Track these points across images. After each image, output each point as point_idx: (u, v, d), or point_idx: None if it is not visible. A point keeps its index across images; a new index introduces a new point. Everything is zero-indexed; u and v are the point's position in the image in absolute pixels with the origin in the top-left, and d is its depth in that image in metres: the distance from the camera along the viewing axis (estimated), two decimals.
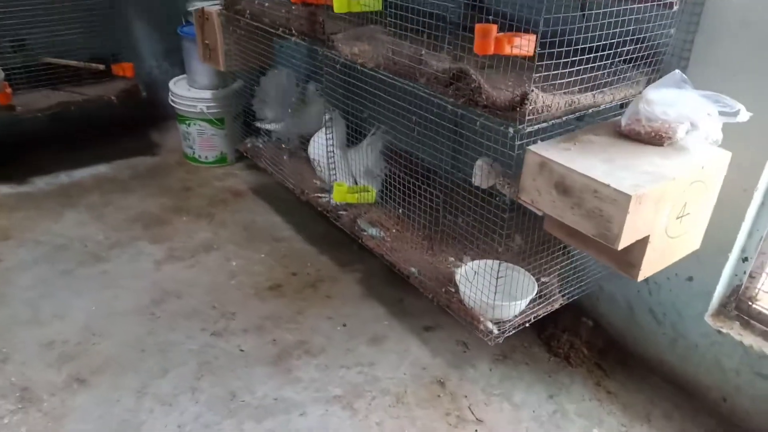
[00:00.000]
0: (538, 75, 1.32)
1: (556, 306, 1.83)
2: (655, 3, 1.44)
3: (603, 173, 1.27)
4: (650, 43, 1.58)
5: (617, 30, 1.43)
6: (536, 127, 1.39)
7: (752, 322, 1.77)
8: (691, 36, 1.54)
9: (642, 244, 1.33)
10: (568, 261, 1.96)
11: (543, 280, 1.90)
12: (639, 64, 1.59)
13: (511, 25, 1.40)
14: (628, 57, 1.54)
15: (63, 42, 2.89)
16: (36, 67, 2.86)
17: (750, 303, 1.77)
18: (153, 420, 1.75)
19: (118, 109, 3.12)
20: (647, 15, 1.48)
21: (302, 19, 1.99)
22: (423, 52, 1.61)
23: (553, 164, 1.33)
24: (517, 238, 2.05)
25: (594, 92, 1.46)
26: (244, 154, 2.83)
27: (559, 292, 1.87)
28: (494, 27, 1.31)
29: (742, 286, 1.77)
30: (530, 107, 1.33)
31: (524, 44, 1.33)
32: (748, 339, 1.73)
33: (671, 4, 1.41)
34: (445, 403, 1.86)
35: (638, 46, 1.55)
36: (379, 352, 2.04)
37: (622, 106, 1.58)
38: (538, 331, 2.12)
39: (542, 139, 1.44)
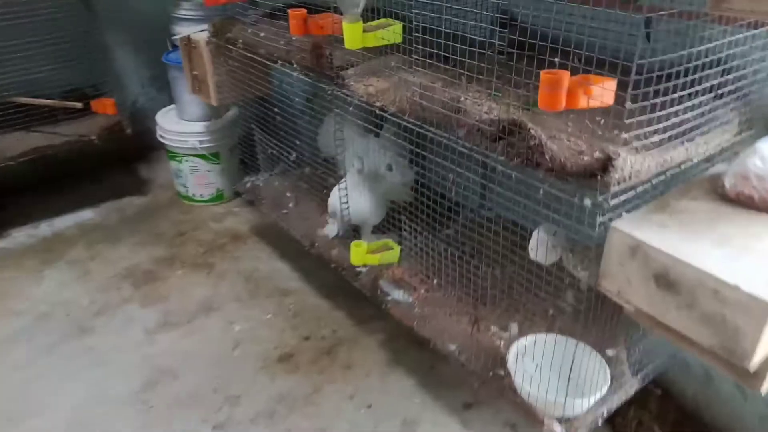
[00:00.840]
0: (628, 135, 0.99)
1: (632, 392, 1.51)
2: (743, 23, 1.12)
3: (723, 265, 0.95)
4: (741, 72, 1.25)
5: (706, 58, 1.11)
6: (622, 198, 1.07)
7: None
8: None
9: None
10: (636, 326, 1.65)
11: (608, 353, 1.58)
12: (728, 100, 1.26)
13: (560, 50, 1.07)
14: (717, 92, 1.21)
15: (36, 78, 2.56)
16: (6, 108, 2.53)
17: None
18: None
19: (99, 151, 2.81)
20: (735, 37, 1.16)
21: (304, 51, 1.66)
22: (461, 97, 1.28)
23: (650, 250, 1.01)
24: (569, 296, 1.73)
25: (686, 143, 1.14)
26: (243, 196, 2.51)
27: (632, 369, 1.54)
28: (566, 75, 0.99)
29: None
30: (616, 176, 1.01)
31: (604, 93, 1.01)
32: None
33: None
34: None
35: (728, 76, 1.22)
36: None
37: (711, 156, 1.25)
38: None
39: (626, 210, 1.11)
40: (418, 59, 1.46)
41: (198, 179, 2.79)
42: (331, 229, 2.10)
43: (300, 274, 2.39)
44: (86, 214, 2.79)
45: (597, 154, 1.04)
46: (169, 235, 2.65)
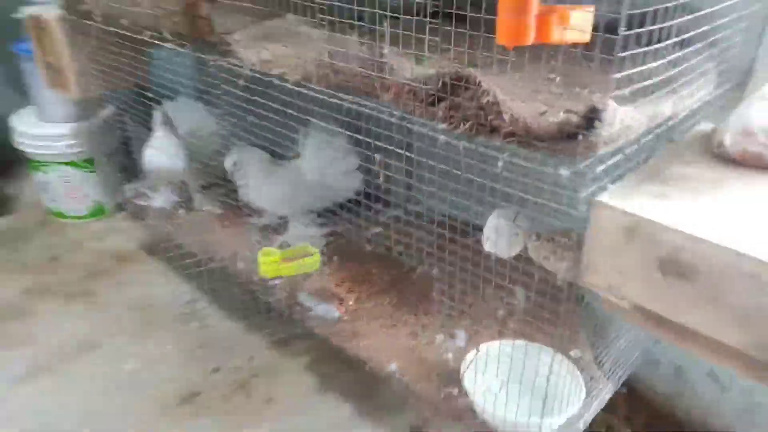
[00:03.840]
0: (619, 76, 0.73)
1: (606, 399, 1.28)
2: None
3: (754, 241, 0.71)
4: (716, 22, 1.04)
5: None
6: (611, 162, 0.82)
7: None
8: None
9: None
10: (596, 319, 1.43)
11: (572, 355, 1.35)
12: (704, 51, 1.04)
13: None
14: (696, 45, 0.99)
15: None
16: None
17: None
18: None
19: None
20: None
21: (177, 15, 1.31)
22: (386, 50, 0.99)
23: (652, 228, 0.76)
24: (519, 293, 1.49)
25: (674, 97, 0.90)
26: (125, 208, 2.10)
27: (606, 372, 1.32)
28: None
29: None
30: (605, 134, 0.75)
31: (582, 23, 0.75)
32: None
33: None
34: None
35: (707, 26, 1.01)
36: None
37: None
38: None
39: (611, 181, 0.86)
40: (324, 19, 1.17)
41: (70, 192, 2.33)
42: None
43: (204, 295, 2.01)
44: None
45: (575, 106, 0.78)
46: (38, 261, 2.19)
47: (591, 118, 0.75)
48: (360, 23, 1.09)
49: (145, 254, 2.24)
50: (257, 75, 1.22)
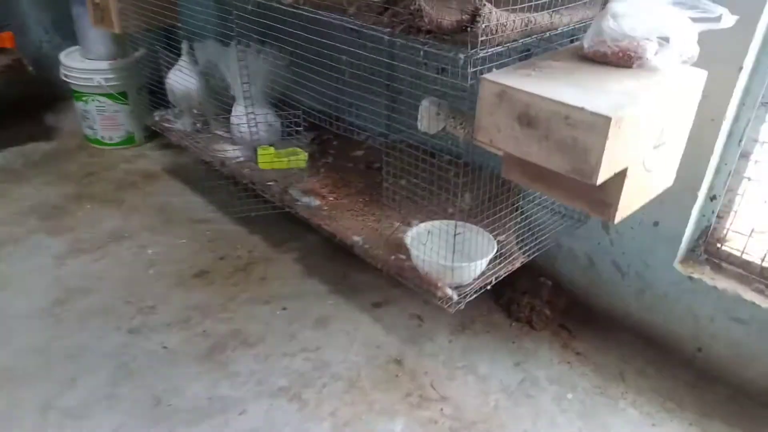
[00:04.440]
0: None
1: (517, 264, 1.66)
2: None
3: (573, 97, 1.08)
4: None
5: None
6: (491, 51, 1.19)
7: (723, 264, 1.66)
8: None
9: (619, 179, 1.16)
10: (523, 217, 1.80)
11: (499, 239, 1.72)
12: None
13: None
14: None
15: None
16: None
17: (719, 245, 1.67)
18: None
19: (3, 89, 2.71)
20: None
21: None
22: None
23: (514, 92, 1.14)
24: (466, 197, 1.85)
25: (551, 11, 1.27)
26: (153, 128, 2.50)
27: (519, 249, 1.69)
28: None
29: (711, 228, 1.66)
30: (483, 26, 1.12)
31: None
32: (722, 283, 1.62)
33: None
34: (405, 383, 1.66)
35: None
36: (326, 335, 1.81)
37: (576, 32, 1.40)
38: (496, 297, 1.96)
39: (497, 68, 1.23)
40: None
41: (106, 120, 2.74)
42: (237, 153, 2.15)
43: (215, 207, 2.41)
44: None
45: (466, 8, 1.15)
46: (77, 176, 2.60)
47: (474, 15, 1.13)
48: None
49: (166, 174, 2.65)
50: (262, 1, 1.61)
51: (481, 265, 1.55)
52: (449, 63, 1.22)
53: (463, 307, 1.53)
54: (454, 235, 1.48)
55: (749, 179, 1.55)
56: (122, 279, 2.00)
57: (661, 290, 1.73)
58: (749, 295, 1.57)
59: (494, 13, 1.14)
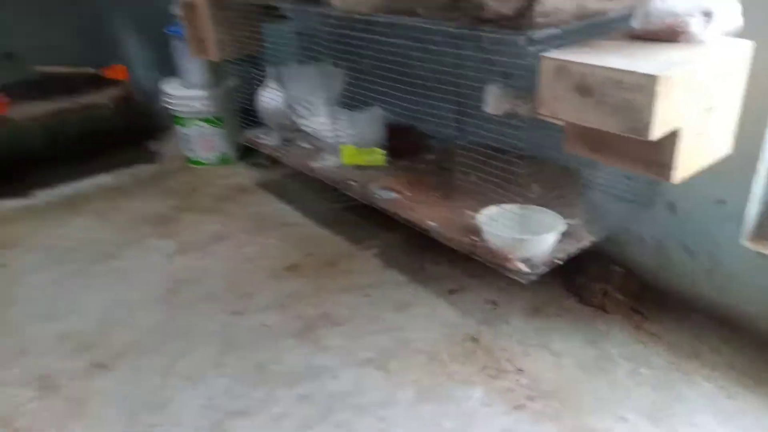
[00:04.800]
0: None
1: (586, 243, 1.76)
2: None
3: (624, 64, 1.22)
4: None
5: None
6: (547, 33, 1.34)
7: None
8: None
9: (673, 138, 1.27)
10: (588, 202, 1.90)
11: (569, 222, 1.83)
12: None
13: None
14: None
15: (50, 52, 2.87)
16: (27, 78, 2.83)
17: None
18: (180, 396, 1.67)
19: (113, 119, 3.10)
20: None
21: None
22: None
23: (571, 65, 1.29)
24: (534, 187, 1.98)
25: None
26: (245, 144, 2.78)
27: (586, 231, 1.80)
28: None
29: None
30: (539, 9, 1.29)
31: None
32: None
33: None
34: (482, 357, 1.78)
35: None
36: (407, 317, 1.96)
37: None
38: (568, 284, 2.05)
39: (554, 47, 1.39)
40: None
41: (204, 142, 3.07)
42: (326, 160, 2.38)
43: (302, 213, 2.64)
44: (103, 179, 3.06)
45: None
46: (180, 191, 2.92)
47: (531, 1, 1.29)
48: None
49: (258, 188, 2.92)
50: (343, 14, 1.83)
51: (550, 238, 1.66)
52: (510, 46, 1.38)
53: (534, 278, 1.64)
54: (519, 209, 1.61)
55: None
56: (223, 272, 2.24)
57: (731, 269, 1.77)
58: None
59: None
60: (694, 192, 1.77)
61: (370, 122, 2.31)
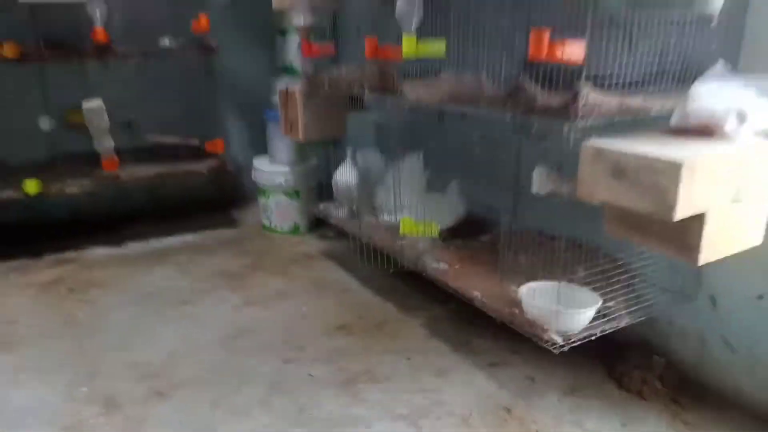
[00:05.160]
0: (587, 75, 1.48)
1: (623, 324, 1.83)
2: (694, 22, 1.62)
3: (654, 151, 1.37)
4: (694, 61, 1.72)
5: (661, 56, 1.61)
6: (589, 122, 1.52)
7: None
8: (736, 46, 1.69)
9: (699, 222, 1.39)
10: (630, 287, 1.98)
11: (609, 305, 1.92)
12: (685, 80, 1.72)
13: None
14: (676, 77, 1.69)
15: (163, 123, 3.33)
16: (140, 145, 3.26)
17: None
18: (226, 427, 1.82)
19: (206, 186, 3.47)
20: (688, 35, 1.65)
21: (375, 76, 2.26)
22: (484, 77, 1.82)
23: (606, 152, 1.45)
24: (579, 270, 2.09)
25: (644, 97, 1.60)
26: (317, 216, 3.04)
27: (625, 312, 1.87)
28: (547, 31, 1.50)
29: None
30: (582, 103, 1.48)
31: (575, 51, 1.51)
32: None
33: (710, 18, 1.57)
34: (513, 427, 1.83)
35: (682, 66, 1.70)
36: (444, 383, 2.05)
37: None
38: (609, 370, 2.09)
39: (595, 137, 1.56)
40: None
41: (280, 213, 3.37)
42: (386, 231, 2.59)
43: (359, 281, 2.83)
44: (189, 237, 3.40)
45: (568, 93, 1.52)
46: (253, 252, 3.19)
47: (576, 95, 1.49)
48: None
49: (323, 256, 3.15)
50: (415, 105, 2.10)
51: (586, 313, 1.75)
52: (557, 135, 1.57)
53: (566, 349, 1.72)
54: (558, 287, 1.73)
55: None
56: (281, 325, 2.42)
57: None
58: None
59: (592, 94, 1.49)
60: (735, 286, 1.83)
61: (449, 202, 2.56)
